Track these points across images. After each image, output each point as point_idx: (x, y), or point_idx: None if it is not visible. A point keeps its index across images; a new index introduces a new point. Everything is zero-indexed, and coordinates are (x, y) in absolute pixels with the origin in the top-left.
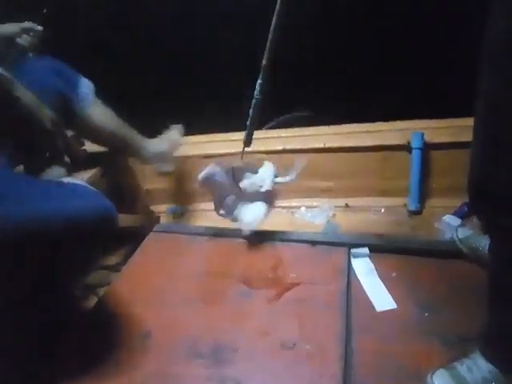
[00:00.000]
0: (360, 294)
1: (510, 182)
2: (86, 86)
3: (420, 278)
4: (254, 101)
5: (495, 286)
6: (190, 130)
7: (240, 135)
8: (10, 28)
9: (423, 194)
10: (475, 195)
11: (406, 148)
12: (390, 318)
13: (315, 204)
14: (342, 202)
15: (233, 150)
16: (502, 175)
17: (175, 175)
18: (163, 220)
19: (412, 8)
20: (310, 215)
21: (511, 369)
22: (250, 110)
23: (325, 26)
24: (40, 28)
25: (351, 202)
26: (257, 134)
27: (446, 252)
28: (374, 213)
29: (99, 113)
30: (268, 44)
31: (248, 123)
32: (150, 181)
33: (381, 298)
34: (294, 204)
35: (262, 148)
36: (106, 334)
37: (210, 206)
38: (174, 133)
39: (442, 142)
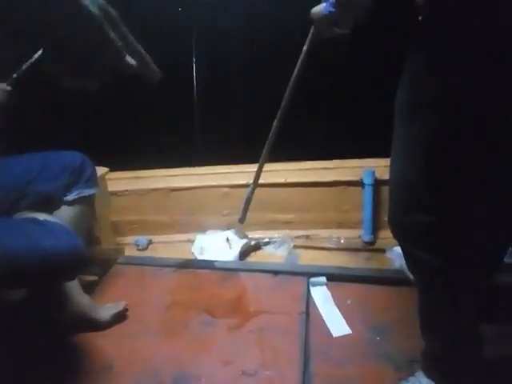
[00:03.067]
0: (318, 321)
1: (413, 220)
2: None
3: (372, 304)
4: (250, 189)
5: (421, 312)
6: (154, 164)
7: (202, 170)
8: None
9: (376, 226)
10: (393, 229)
11: (360, 184)
12: (346, 342)
13: (277, 235)
14: (302, 233)
15: (196, 184)
16: (407, 213)
17: (142, 207)
18: (129, 252)
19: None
20: (272, 246)
21: (447, 382)
22: (247, 193)
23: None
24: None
25: (311, 233)
26: (220, 168)
27: (396, 280)
28: (332, 243)
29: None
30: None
31: (244, 204)
32: (117, 213)
33: (337, 324)
34: (257, 235)
35: (226, 182)
36: (68, 366)
37: (177, 237)
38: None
39: None
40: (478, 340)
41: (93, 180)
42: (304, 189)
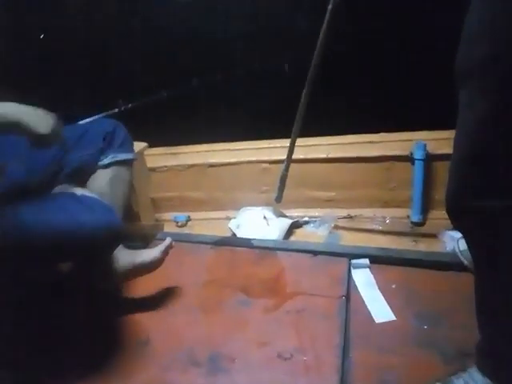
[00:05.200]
0: (359, 306)
1: (482, 196)
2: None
3: (420, 290)
4: (284, 167)
5: (481, 299)
6: (192, 139)
7: (240, 145)
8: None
9: (426, 206)
10: (451, 209)
11: (409, 159)
12: (389, 329)
13: (317, 214)
14: (344, 212)
15: (235, 160)
16: (479, 197)
17: (180, 184)
18: (168, 228)
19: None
20: (312, 225)
21: (507, 383)
22: (282, 171)
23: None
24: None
25: (353, 212)
26: (259, 143)
27: (447, 264)
28: (377, 224)
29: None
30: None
31: (279, 183)
32: (156, 189)
33: (380, 310)
34: (296, 214)
35: (265, 158)
36: (105, 339)
37: (215, 215)
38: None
39: (444, 153)
40: None
41: (127, 145)
42: (347, 164)
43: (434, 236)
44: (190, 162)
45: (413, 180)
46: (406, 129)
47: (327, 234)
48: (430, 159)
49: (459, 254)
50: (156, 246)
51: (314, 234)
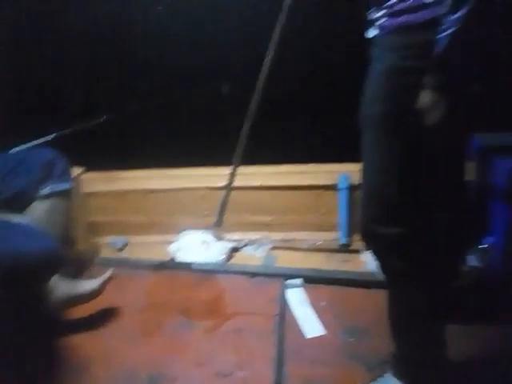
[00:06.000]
0: (292, 322)
1: (385, 231)
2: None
3: (347, 306)
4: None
5: (389, 313)
6: (131, 164)
7: (180, 171)
8: None
9: (352, 229)
10: (362, 234)
11: (335, 188)
12: (320, 343)
13: (255, 238)
14: (280, 235)
15: (175, 186)
16: (380, 225)
17: (119, 209)
18: (106, 253)
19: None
20: (250, 248)
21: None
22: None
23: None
24: None
25: (289, 235)
26: (198, 170)
27: (371, 282)
28: (309, 246)
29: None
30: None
31: (219, 207)
32: (94, 213)
33: (311, 326)
34: (235, 238)
35: (203, 185)
36: (44, 364)
37: (155, 239)
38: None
39: None
40: (444, 342)
41: (66, 175)
42: (281, 192)
43: (358, 257)
44: (129, 187)
45: (339, 207)
46: (333, 160)
47: (264, 256)
48: (352, 189)
49: (379, 273)
50: (94, 270)
51: (252, 257)
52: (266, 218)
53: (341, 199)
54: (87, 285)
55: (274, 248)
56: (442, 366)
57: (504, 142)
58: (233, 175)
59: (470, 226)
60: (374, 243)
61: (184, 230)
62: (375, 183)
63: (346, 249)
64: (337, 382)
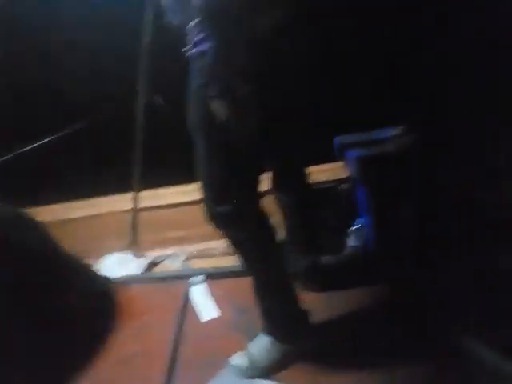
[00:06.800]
0: (193, 312)
1: (217, 210)
2: None
3: (240, 292)
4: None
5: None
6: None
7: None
8: None
9: None
10: (207, 218)
11: None
12: (214, 323)
13: (171, 252)
14: (194, 247)
15: (91, 213)
16: (214, 205)
17: None
18: None
19: None
20: (167, 261)
21: (284, 337)
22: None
23: None
24: None
25: (201, 245)
26: (109, 197)
27: None
28: (219, 252)
29: None
30: None
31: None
32: None
33: (208, 311)
34: (153, 254)
35: (114, 209)
36: None
37: None
38: None
39: None
40: (295, 297)
41: None
42: (189, 207)
43: None
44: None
45: None
46: None
47: (181, 266)
48: None
49: None
50: None
51: (169, 269)
52: (181, 233)
53: None
54: None
55: (189, 258)
56: (295, 320)
57: (355, 140)
58: (136, 198)
59: (335, 211)
60: (214, 220)
61: (105, 253)
62: (205, 173)
63: None
64: (225, 350)
